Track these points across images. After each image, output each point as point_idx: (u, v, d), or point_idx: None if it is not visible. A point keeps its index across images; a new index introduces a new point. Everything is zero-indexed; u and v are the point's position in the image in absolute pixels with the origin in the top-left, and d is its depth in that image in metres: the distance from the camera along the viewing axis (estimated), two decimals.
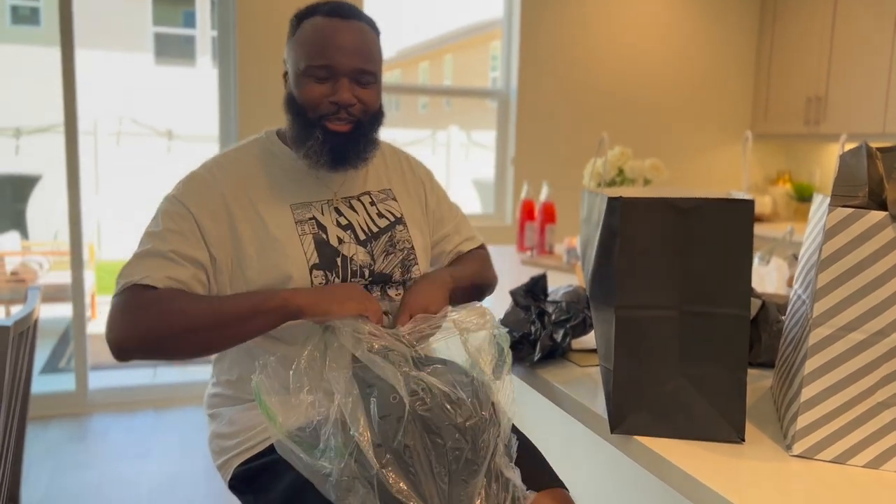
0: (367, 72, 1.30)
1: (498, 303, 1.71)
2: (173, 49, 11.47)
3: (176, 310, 1.18)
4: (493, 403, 1.14)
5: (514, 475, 1.13)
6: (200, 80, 10.79)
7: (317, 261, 1.29)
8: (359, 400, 1.07)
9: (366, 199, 1.41)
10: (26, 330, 1.68)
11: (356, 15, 1.32)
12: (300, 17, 1.33)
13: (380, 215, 1.40)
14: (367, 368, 1.10)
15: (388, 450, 1.04)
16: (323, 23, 1.29)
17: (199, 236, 1.26)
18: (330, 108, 1.29)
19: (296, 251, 1.28)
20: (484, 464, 1.09)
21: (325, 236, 1.32)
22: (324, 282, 1.29)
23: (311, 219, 1.32)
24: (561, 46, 4.14)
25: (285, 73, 1.37)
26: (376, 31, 1.35)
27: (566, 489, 1.26)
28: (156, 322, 1.17)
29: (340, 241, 1.33)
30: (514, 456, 1.15)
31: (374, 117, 1.35)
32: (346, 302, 1.18)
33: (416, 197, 1.50)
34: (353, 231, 1.35)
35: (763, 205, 4.40)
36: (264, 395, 1.11)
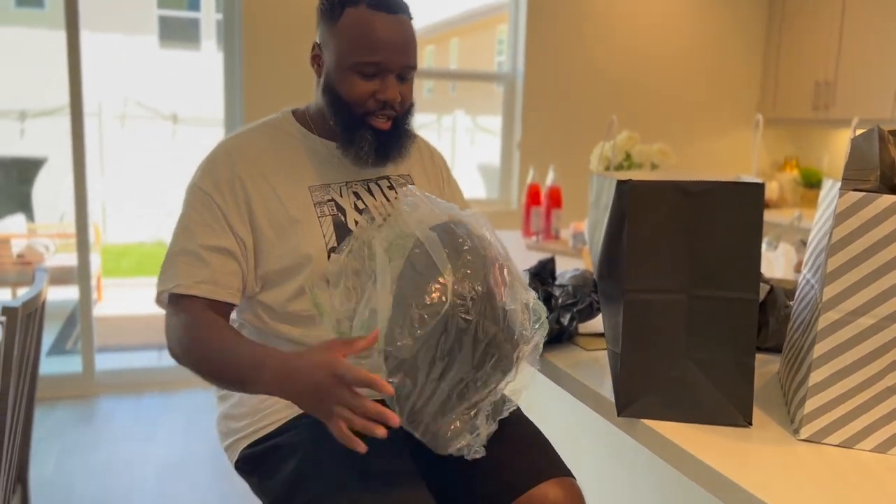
0: (411, 67, 1.29)
1: None
2: (177, 32, 11.43)
3: (188, 350, 1.21)
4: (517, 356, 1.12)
5: (484, 429, 1.10)
6: (205, 63, 10.76)
7: (335, 244, 1.28)
8: (393, 275, 1.07)
9: (384, 184, 1.39)
10: (34, 311, 1.68)
11: (400, 7, 1.28)
12: (342, 2, 1.27)
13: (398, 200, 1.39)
14: (422, 257, 1.08)
15: (405, 338, 1.04)
16: (370, 16, 1.25)
17: (224, 224, 1.26)
18: (376, 106, 1.28)
19: (315, 233, 1.28)
20: (481, 399, 1.08)
21: (343, 219, 1.31)
22: None
23: (329, 200, 1.32)
24: (568, 30, 4.11)
25: (316, 56, 1.33)
26: (412, 19, 1.33)
27: (573, 477, 1.27)
28: (184, 357, 1.22)
29: (358, 225, 1.32)
30: (501, 415, 1.13)
31: (409, 110, 1.35)
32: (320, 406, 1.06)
33: (435, 185, 1.50)
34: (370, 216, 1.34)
35: (770, 190, 4.38)
36: (318, 293, 1.13)
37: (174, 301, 1.25)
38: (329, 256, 1.28)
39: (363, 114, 1.29)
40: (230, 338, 1.19)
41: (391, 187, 1.40)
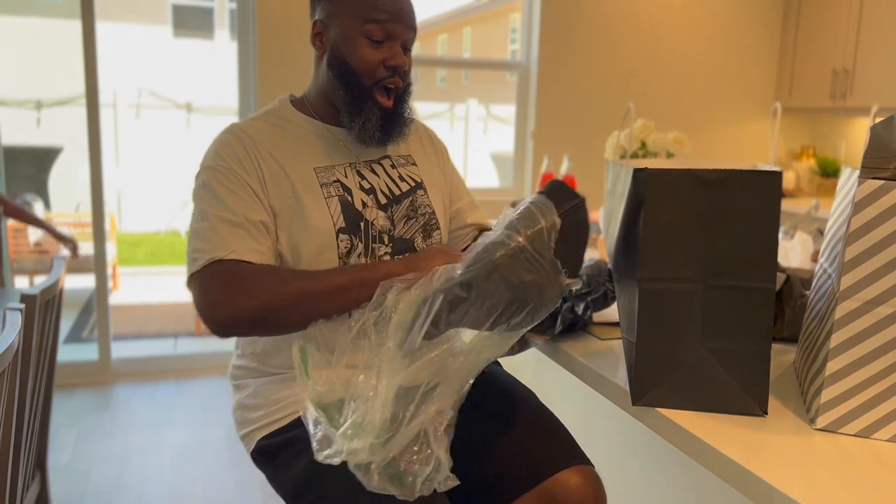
0: (412, 38, 1.33)
1: None
2: (191, 21, 11.45)
3: (284, 283, 1.17)
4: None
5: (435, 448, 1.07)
6: (219, 52, 10.79)
7: (343, 224, 1.29)
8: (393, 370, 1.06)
9: (386, 163, 1.40)
10: (52, 299, 1.70)
11: None
12: None
13: (401, 178, 1.39)
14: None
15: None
16: None
17: (254, 197, 1.25)
18: (384, 74, 1.30)
19: (323, 214, 1.28)
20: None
21: (350, 199, 1.31)
22: (349, 246, 1.29)
23: (335, 181, 1.32)
24: (581, 18, 4.08)
25: (319, 33, 1.35)
26: None
27: (592, 465, 1.27)
28: (267, 296, 1.16)
29: (364, 204, 1.32)
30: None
31: (408, 89, 1.36)
32: (436, 258, 1.20)
33: (436, 165, 1.50)
34: (375, 195, 1.34)
35: (786, 180, 4.34)
36: (308, 356, 1.10)
37: (227, 266, 1.18)
38: (338, 237, 1.28)
39: (371, 85, 1.30)
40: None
41: (393, 166, 1.41)
